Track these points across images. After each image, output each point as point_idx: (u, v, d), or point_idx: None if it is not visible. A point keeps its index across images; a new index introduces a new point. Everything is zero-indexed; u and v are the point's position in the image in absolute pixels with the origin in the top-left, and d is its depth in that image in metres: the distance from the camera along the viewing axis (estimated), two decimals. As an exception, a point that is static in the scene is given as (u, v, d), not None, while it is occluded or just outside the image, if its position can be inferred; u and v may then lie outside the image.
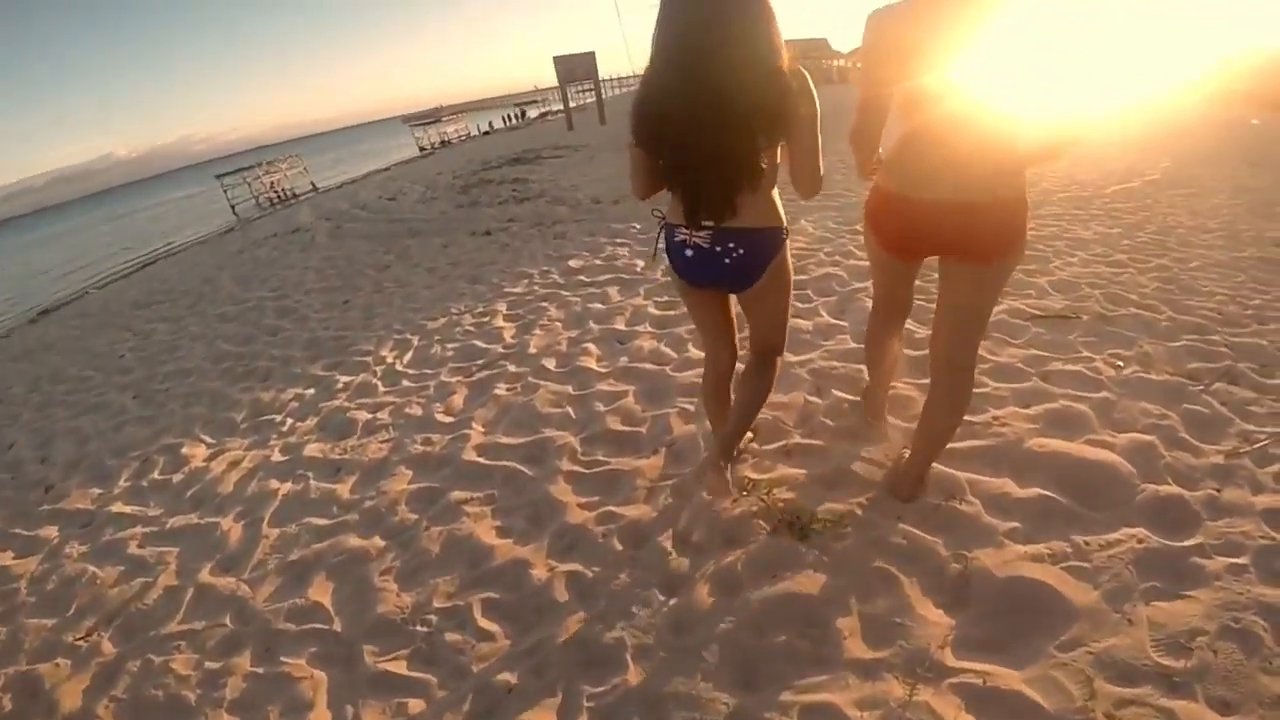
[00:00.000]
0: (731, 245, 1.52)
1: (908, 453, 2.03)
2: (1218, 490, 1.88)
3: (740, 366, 2.03)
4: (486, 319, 3.85)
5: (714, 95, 1.33)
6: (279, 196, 17.59)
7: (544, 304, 3.82)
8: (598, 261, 4.44)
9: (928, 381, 1.87)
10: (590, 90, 19.15)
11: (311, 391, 3.47)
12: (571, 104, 19.60)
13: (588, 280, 4.06)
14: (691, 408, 2.62)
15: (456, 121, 35.98)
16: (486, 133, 30.93)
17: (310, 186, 18.40)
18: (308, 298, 5.28)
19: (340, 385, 3.46)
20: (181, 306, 6.07)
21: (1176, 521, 1.78)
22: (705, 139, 1.38)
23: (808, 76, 1.39)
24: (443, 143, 30.46)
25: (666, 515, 2.08)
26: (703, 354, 2.87)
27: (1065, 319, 2.92)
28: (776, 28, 1.34)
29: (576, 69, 18.10)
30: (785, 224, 1.59)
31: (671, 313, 3.36)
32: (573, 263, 4.46)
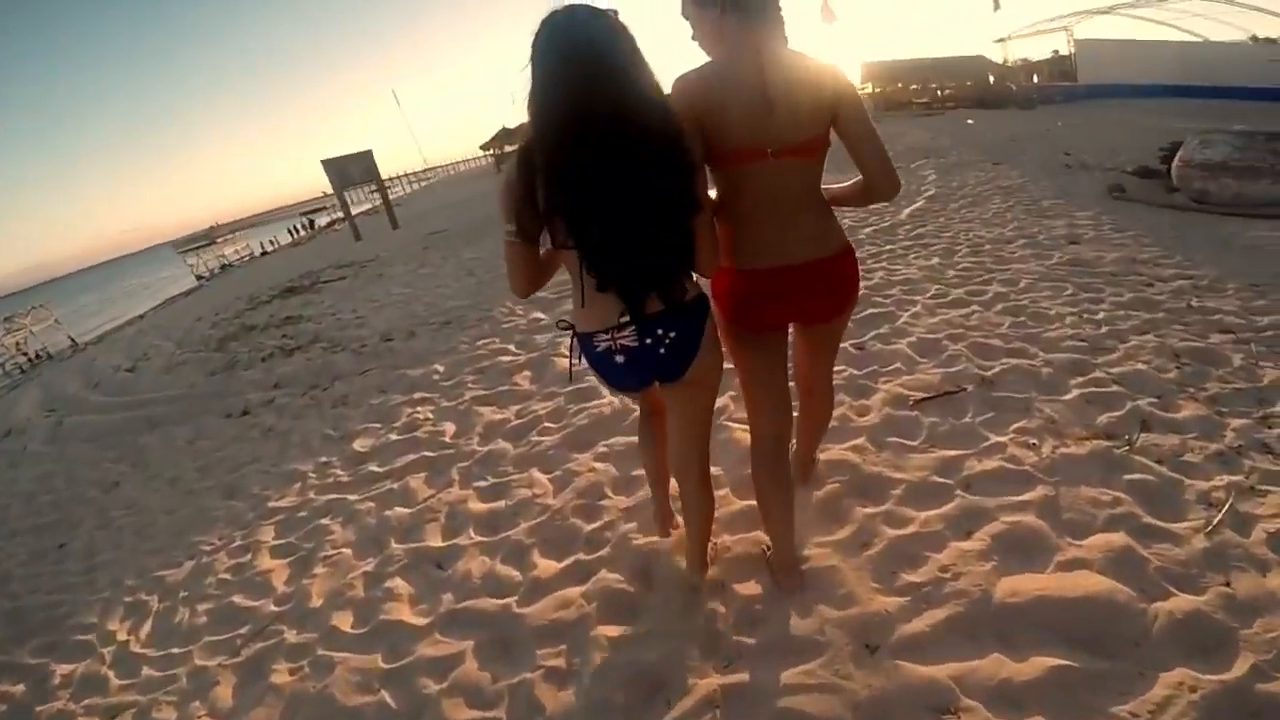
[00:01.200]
0: (660, 332, 1.36)
1: (795, 444, 2.05)
2: (1228, 585, 1.60)
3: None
4: (248, 556, 2.74)
5: (636, 164, 1.22)
6: (30, 359, 14.03)
7: (325, 520, 2.78)
8: (393, 436, 3.43)
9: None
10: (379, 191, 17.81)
11: (21, 688, 2.38)
12: (366, 206, 18.11)
13: (381, 469, 3.06)
14: (561, 661, 1.81)
15: (235, 241, 32.44)
16: (265, 252, 28.08)
17: (69, 342, 14.92)
18: (10, 543, 3.77)
19: (58, 679, 2.39)
20: None
21: (1212, 644, 1.47)
22: (635, 212, 1.24)
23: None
24: (223, 267, 27.32)
25: None
26: (561, 564, 2.12)
27: (950, 395, 2.56)
28: (655, 77, 1.26)
29: (352, 171, 16.66)
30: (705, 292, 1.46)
31: (501, 504, 2.51)
32: (360, 443, 3.41)
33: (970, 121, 15.95)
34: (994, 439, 2.27)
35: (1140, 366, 2.60)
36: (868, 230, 5.40)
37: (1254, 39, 26.00)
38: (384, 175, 17.44)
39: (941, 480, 2.11)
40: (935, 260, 4.20)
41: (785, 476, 1.73)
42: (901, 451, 2.27)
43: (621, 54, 1.20)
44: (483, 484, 2.64)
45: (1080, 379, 2.56)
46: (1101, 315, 3.07)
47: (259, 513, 3.07)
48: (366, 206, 18.76)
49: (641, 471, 2.38)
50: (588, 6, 1.22)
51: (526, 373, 3.74)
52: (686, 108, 1.34)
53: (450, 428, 3.23)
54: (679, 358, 1.41)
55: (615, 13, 1.25)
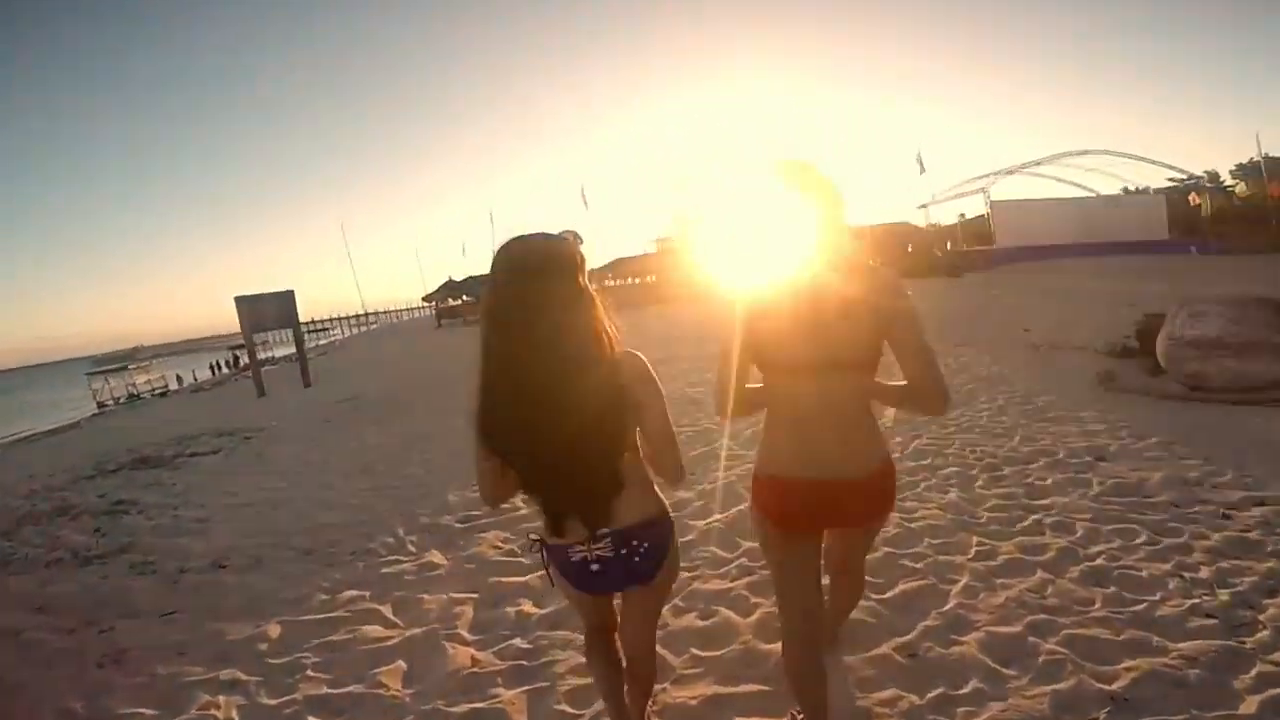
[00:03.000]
0: (636, 543, 1.44)
1: None
2: None
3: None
4: None
5: (549, 408, 1.30)
6: None
7: None
8: (164, 744, 2.02)
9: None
10: (321, 330, 16.45)
11: None
12: (290, 350, 16.40)
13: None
14: None
15: (148, 370, 30.00)
16: (162, 393, 25.94)
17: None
18: None
19: None
20: None
21: None
22: (556, 453, 1.34)
23: (644, 361, 1.40)
24: (130, 397, 25.68)
25: None
26: None
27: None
28: (599, 313, 1.35)
29: (267, 313, 15.13)
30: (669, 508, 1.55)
31: None
32: (108, 750, 2.05)
33: (908, 294, 16.58)
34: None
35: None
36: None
37: (1125, 190, 30.02)
38: (325, 316, 16.28)
39: None
40: (954, 494, 3.37)
41: (819, 669, 1.69)
42: None
43: (559, 282, 1.30)
44: None
45: (1243, 677, 1.79)
46: (1204, 572, 2.35)
47: None
48: (291, 350, 17.20)
49: None
50: (543, 234, 1.35)
51: (400, 663, 2.36)
52: (742, 329, 1.46)
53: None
54: (653, 563, 1.47)
55: (575, 235, 1.40)
